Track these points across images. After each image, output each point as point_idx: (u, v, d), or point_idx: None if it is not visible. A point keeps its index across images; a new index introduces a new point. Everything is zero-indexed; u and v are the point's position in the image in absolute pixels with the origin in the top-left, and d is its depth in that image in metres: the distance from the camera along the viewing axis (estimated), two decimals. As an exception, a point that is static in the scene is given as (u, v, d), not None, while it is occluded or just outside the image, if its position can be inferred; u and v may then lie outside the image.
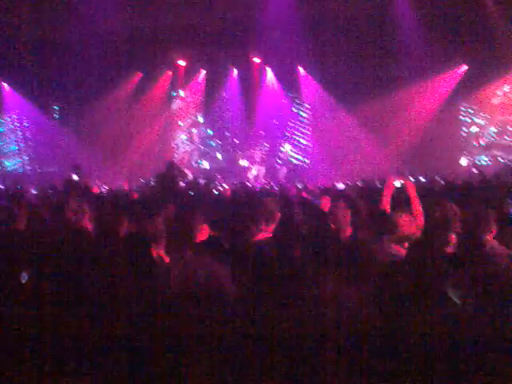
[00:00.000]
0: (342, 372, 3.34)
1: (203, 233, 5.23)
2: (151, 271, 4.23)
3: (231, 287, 4.25)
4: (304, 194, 11.66)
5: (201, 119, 22.33)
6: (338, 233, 6.06)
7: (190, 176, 17.70)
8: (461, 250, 5.04)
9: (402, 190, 6.82)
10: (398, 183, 6.92)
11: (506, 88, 20.08)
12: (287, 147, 21.62)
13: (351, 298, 3.83)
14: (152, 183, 16.27)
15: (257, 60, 21.20)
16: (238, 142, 21.86)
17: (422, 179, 15.74)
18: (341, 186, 15.13)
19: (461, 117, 20.68)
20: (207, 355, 3.42)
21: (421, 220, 6.10)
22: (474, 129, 20.56)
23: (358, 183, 15.00)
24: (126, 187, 15.99)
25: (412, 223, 5.64)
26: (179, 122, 22.41)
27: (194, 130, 22.34)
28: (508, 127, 20.11)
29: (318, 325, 3.46)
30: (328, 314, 3.60)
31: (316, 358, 3.38)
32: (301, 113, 21.85)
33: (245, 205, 8.21)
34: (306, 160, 21.58)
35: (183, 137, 22.33)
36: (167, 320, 3.57)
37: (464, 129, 20.69)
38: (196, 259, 4.55)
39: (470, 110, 20.54)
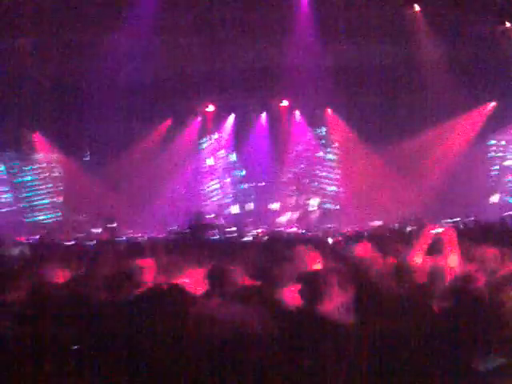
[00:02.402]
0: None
1: (240, 280, 5.21)
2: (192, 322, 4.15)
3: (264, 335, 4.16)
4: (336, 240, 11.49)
5: (230, 163, 22.33)
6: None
7: (221, 222, 17.67)
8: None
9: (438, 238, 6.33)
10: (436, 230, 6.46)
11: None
12: (317, 195, 21.56)
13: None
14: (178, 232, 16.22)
15: (285, 103, 21.34)
16: (268, 185, 21.81)
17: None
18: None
19: (492, 153, 20.45)
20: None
21: (459, 268, 5.84)
22: (506, 163, 20.29)
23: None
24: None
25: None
26: (208, 165, 22.38)
27: (224, 175, 22.33)
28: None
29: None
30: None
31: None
32: (329, 156, 21.85)
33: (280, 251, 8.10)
34: (335, 206, 21.41)
35: (213, 183, 22.29)
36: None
37: (495, 167, 20.44)
38: (233, 307, 4.48)
39: (502, 143, 20.28)
